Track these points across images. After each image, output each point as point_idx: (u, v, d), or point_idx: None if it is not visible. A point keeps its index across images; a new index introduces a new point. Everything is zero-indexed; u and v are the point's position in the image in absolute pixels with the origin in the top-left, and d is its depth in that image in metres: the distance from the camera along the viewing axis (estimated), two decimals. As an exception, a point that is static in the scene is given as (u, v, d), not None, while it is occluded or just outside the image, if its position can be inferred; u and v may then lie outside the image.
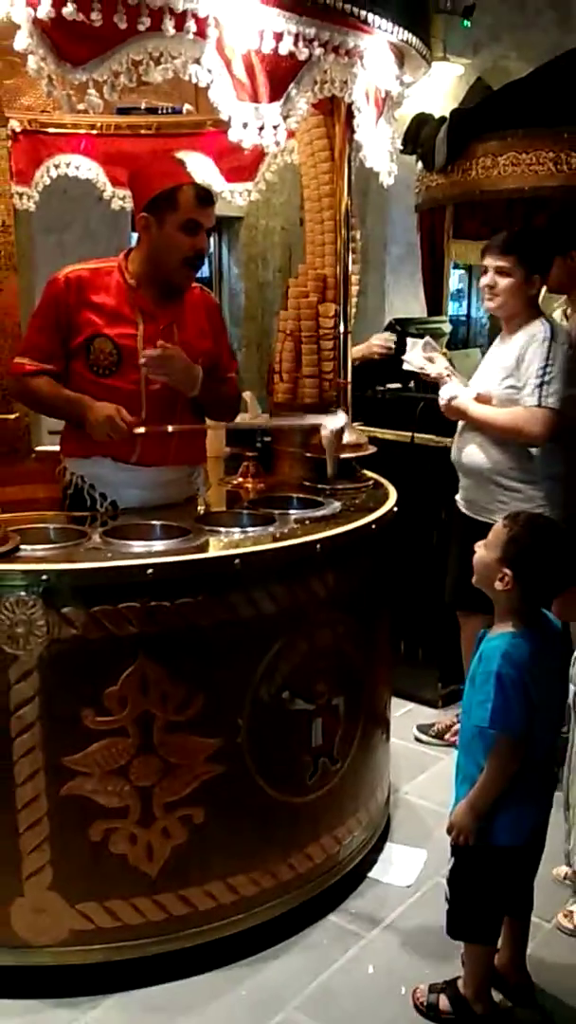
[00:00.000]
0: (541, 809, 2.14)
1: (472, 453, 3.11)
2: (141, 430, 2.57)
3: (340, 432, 2.79)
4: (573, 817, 2.48)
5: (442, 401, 3.10)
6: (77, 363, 2.65)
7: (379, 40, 2.50)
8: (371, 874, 2.72)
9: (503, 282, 3.00)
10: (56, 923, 2.21)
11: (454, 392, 3.07)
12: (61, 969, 2.24)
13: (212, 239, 8.04)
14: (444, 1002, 2.19)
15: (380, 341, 4.09)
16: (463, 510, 3.23)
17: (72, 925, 2.21)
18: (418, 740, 3.51)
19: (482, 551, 2.07)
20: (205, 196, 2.62)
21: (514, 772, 1.99)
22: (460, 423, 3.19)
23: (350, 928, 2.51)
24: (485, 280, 3.06)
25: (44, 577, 2.09)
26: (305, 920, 2.49)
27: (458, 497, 3.28)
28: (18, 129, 3.44)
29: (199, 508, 2.81)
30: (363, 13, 2.34)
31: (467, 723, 2.11)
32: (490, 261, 3.03)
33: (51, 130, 3.50)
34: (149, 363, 2.55)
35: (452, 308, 6.15)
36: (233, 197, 3.51)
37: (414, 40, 2.61)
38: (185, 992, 2.27)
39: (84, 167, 3.54)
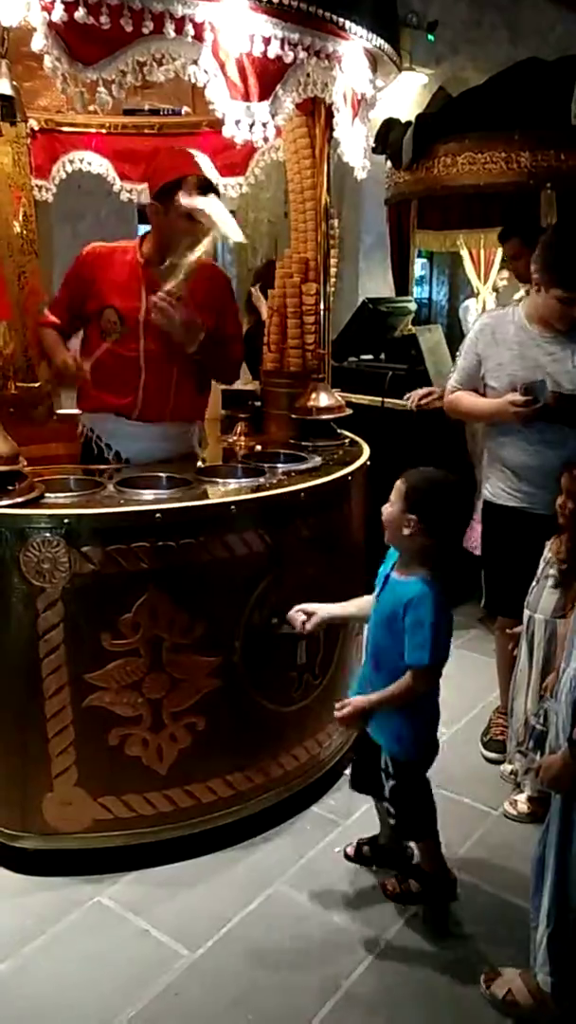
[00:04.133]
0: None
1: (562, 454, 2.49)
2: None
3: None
4: (515, 723, 2.50)
5: None
6: (91, 328, 2.64)
7: (355, 46, 2.41)
8: (347, 772, 2.74)
9: None
10: (81, 814, 2.22)
11: None
12: (86, 852, 2.26)
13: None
14: (414, 884, 2.19)
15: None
16: (535, 510, 2.55)
17: (95, 815, 2.22)
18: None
19: (387, 507, 1.99)
20: (204, 186, 2.55)
21: (422, 694, 1.98)
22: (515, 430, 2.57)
23: (329, 817, 2.53)
24: None
25: (66, 520, 2.06)
26: (291, 811, 2.52)
27: (528, 502, 2.61)
28: (36, 127, 3.31)
29: (198, 462, 2.77)
30: (341, 20, 2.25)
31: (384, 655, 2.01)
32: None
33: (65, 128, 3.37)
34: (156, 307, 2.51)
35: (416, 292, 6.06)
36: (227, 190, 3.41)
37: (386, 46, 2.51)
38: (191, 870, 2.29)
39: (96, 163, 3.41)
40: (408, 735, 2.03)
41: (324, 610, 2.18)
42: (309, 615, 2.17)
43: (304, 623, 2.16)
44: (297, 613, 2.18)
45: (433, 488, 1.96)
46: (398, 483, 1.99)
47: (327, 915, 2.15)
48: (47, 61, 1.91)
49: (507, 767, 2.68)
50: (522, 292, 3.80)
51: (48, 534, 2.05)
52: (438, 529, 1.95)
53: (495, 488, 2.71)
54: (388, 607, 2.00)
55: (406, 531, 1.94)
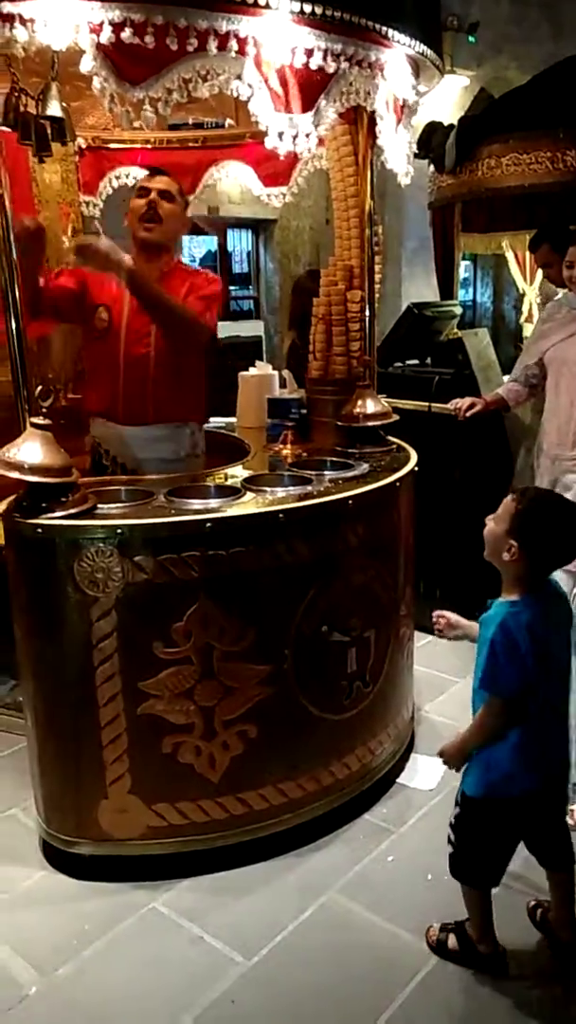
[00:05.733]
0: (545, 765, 1.88)
1: None
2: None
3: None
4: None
5: None
6: (85, 327, 2.75)
7: (398, 53, 2.41)
8: (399, 780, 2.73)
9: None
10: (135, 821, 2.25)
11: None
12: (140, 858, 2.29)
13: (251, 239, 7.94)
14: (452, 941, 2.03)
15: None
16: None
17: (149, 822, 2.25)
18: None
19: (492, 524, 1.82)
20: (150, 167, 2.81)
21: (499, 728, 1.82)
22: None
23: (382, 825, 2.53)
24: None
25: (119, 531, 2.10)
26: (344, 819, 2.52)
27: None
28: (84, 145, 3.40)
29: (201, 469, 2.79)
30: (384, 29, 2.25)
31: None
32: None
33: (112, 145, 3.47)
34: (79, 250, 2.62)
35: (460, 294, 6.01)
36: (270, 200, 3.45)
37: (428, 52, 2.51)
38: (244, 878, 2.31)
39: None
40: (476, 766, 1.89)
41: (462, 623, 2.05)
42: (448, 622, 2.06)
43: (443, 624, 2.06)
44: (439, 618, 2.07)
45: (548, 517, 1.77)
46: (509, 500, 1.81)
47: (382, 924, 2.14)
48: (95, 82, 1.95)
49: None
50: (561, 294, 3.76)
51: (102, 544, 2.09)
52: (541, 561, 1.80)
53: None
54: (482, 629, 1.87)
55: (506, 556, 1.78)
